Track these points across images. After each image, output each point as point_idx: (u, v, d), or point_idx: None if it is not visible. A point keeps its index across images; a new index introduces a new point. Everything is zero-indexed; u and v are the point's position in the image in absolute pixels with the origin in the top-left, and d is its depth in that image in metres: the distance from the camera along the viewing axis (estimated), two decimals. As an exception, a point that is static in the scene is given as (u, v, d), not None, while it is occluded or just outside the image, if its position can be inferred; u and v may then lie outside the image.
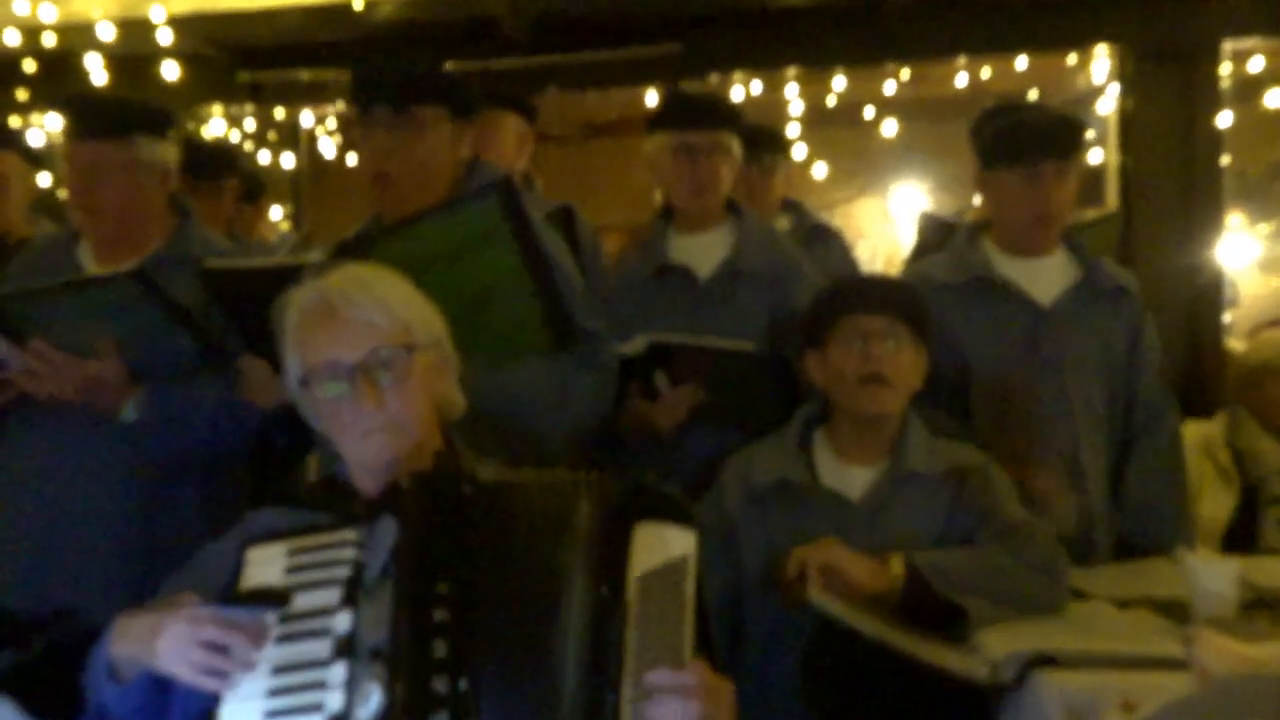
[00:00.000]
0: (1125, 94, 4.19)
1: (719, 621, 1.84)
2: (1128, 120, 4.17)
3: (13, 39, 4.57)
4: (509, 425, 1.70)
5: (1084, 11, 4.09)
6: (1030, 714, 1.45)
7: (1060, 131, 2.17)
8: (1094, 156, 4.87)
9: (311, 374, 1.29)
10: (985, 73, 4.81)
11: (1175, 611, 1.67)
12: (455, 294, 1.63)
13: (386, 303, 1.29)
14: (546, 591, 1.12)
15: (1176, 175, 3.97)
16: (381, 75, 1.85)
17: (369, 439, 1.28)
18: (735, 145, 2.35)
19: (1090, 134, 5.09)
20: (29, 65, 4.80)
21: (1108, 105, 4.50)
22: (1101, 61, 4.49)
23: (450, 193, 1.86)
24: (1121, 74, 4.22)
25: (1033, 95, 5.01)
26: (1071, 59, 4.65)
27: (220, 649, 1.10)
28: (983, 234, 2.28)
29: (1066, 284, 2.19)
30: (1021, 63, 4.51)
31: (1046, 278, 2.20)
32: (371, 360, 1.27)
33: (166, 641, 1.11)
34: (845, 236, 3.33)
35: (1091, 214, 3.89)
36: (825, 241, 3.13)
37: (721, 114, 2.35)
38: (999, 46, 4.30)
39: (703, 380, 2.12)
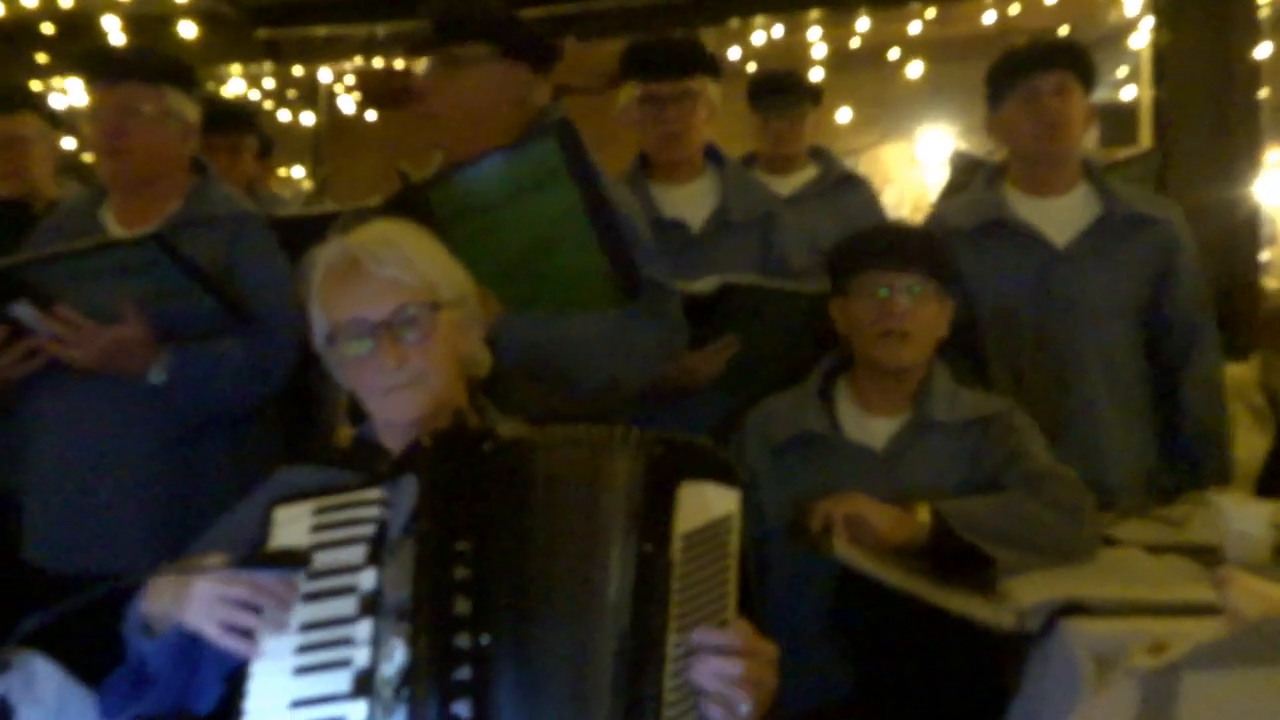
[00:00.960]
0: (1159, 27, 4.07)
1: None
2: (1162, 54, 4.06)
3: (30, 2, 4.56)
4: (568, 378, 1.69)
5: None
6: (1058, 661, 1.45)
7: (1055, 47, 2.15)
8: (1127, 93, 4.75)
9: (337, 331, 1.30)
10: (1014, 9, 4.69)
11: (1207, 557, 1.66)
12: (514, 240, 1.64)
13: (412, 260, 1.29)
14: (582, 548, 1.12)
15: (1212, 110, 3.86)
16: (429, 13, 1.83)
17: (393, 396, 1.29)
18: (709, 89, 2.27)
19: (1123, 70, 4.99)
20: (46, 27, 4.80)
21: (1141, 40, 4.37)
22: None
23: (515, 136, 1.80)
24: (1155, 7, 4.10)
25: (1063, 31, 4.88)
26: (1104, -8, 4.53)
27: (249, 609, 1.12)
28: (1003, 176, 2.25)
29: (1085, 221, 2.14)
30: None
31: (1064, 217, 2.15)
32: (396, 317, 1.27)
33: (195, 602, 1.13)
34: (872, 184, 3.28)
35: (1126, 152, 3.80)
36: (853, 190, 3.08)
37: (689, 59, 2.27)
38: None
39: (761, 323, 2.08)
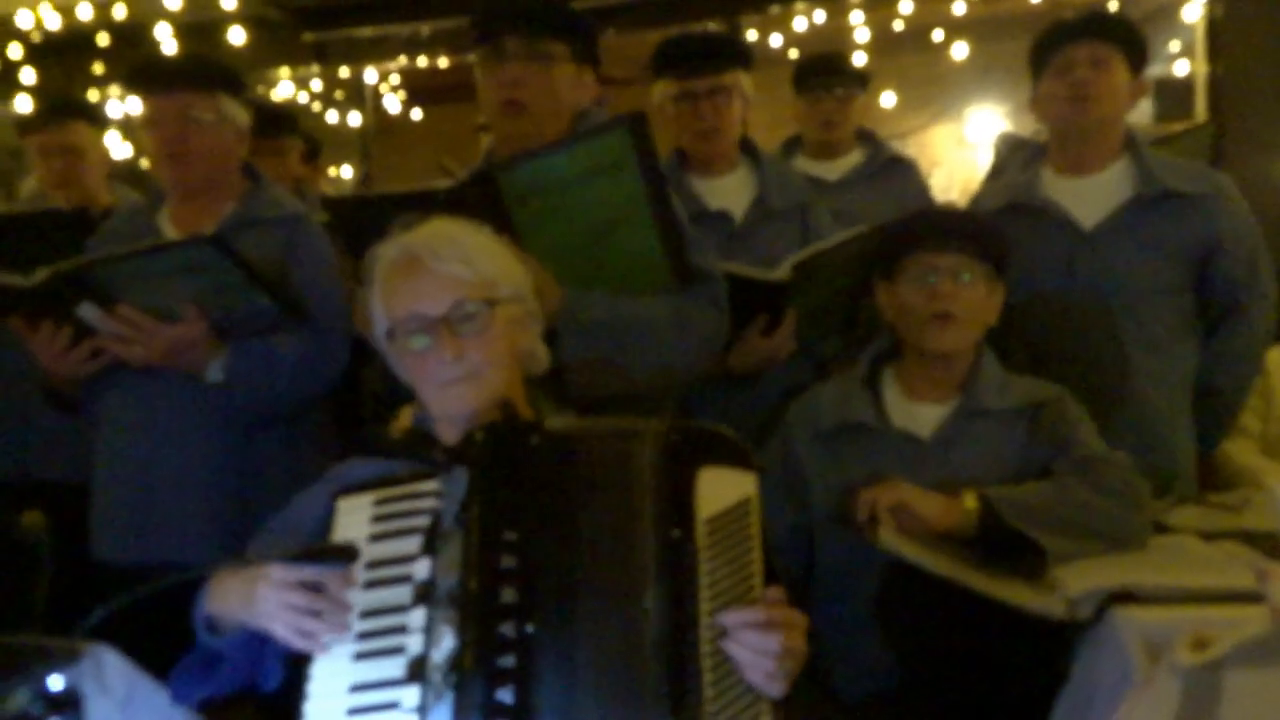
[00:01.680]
0: (1212, 1, 3.96)
1: (792, 560, 1.86)
2: (1216, 27, 3.95)
3: (85, 14, 4.68)
4: (631, 359, 1.72)
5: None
6: (1107, 649, 1.43)
7: (1092, 18, 2.11)
8: (1181, 68, 4.63)
9: (397, 326, 1.33)
10: (1063, -14, 4.59)
11: (1265, 543, 1.62)
12: (579, 222, 1.68)
13: (471, 257, 1.32)
14: (617, 537, 1.15)
15: (1268, 83, 3.76)
16: (515, 6, 1.85)
17: (449, 390, 1.32)
18: (741, 80, 2.28)
19: (1175, 44, 4.86)
20: (102, 38, 4.93)
21: (1194, 13, 4.26)
22: (1188, -33, 4.25)
23: (563, 133, 1.85)
24: (1209, -22, 3.99)
25: (1113, 6, 4.77)
26: (1155, -35, 4.42)
27: (312, 614, 1.16)
28: (1043, 156, 2.22)
29: (1119, 201, 2.09)
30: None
31: (1096, 196, 2.11)
32: (454, 313, 1.30)
33: (261, 605, 1.17)
34: (920, 167, 3.24)
35: (1180, 126, 3.71)
36: (901, 173, 3.05)
37: (721, 54, 2.28)
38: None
39: (819, 284, 2.09)
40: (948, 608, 1.60)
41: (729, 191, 2.32)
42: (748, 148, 2.38)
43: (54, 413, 2.13)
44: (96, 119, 2.85)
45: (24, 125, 2.78)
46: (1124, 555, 1.63)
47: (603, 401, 1.66)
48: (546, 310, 1.57)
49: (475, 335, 1.31)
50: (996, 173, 2.79)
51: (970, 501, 1.64)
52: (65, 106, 2.80)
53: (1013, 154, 2.70)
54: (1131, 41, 2.11)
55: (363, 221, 1.65)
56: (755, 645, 1.11)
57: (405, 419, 1.49)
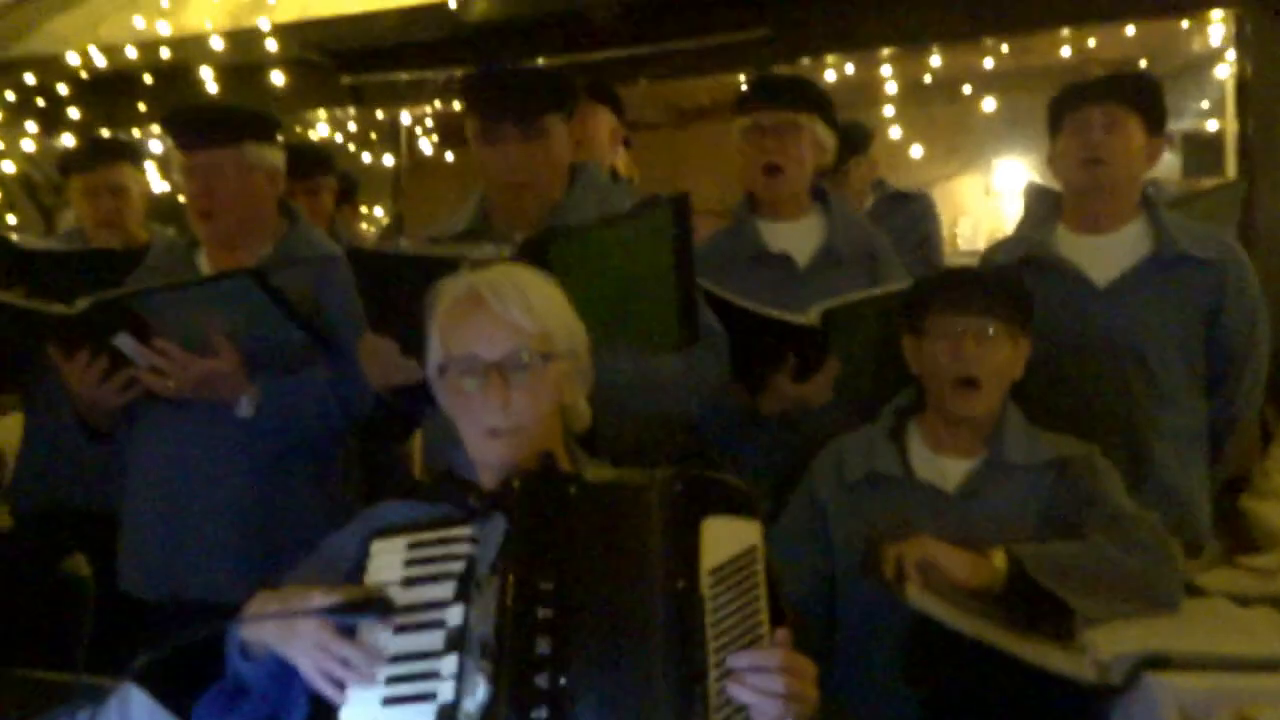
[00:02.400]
0: (1242, 58, 3.97)
1: (815, 609, 1.85)
2: (1245, 85, 3.95)
3: (131, 54, 4.81)
4: (652, 413, 1.80)
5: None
6: (1142, 717, 1.40)
7: (1110, 80, 2.14)
8: (1210, 123, 4.64)
9: (450, 363, 1.33)
10: (1091, 41, 4.62)
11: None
12: (607, 285, 1.73)
13: (534, 307, 1.32)
14: (634, 588, 1.16)
15: (1298, 143, 3.75)
16: (506, 90, 1.90)
17: (490, 440, 1.32)
18: (816, 127, 2.31)
19: (1204, 101, 4.87)
20: (147, 78, 5.05)
21: (1224, 70, 4.27)
22: (1217, 25, 4.27)
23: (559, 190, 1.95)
24: (1238, 38, 4.00)
25: (1142, 63, 4.80)
26: (1184, 22, 4.43)
27: (343, 662, 1.16)
28: (1057, 214, 2.24)
29: (1133, 261, 2.11)
30: (1131, 27, 4.31)
31: (1110, 255, 2.13)
32: (509, 360, 1.30)
33: (296, 641, 1.18)
34: (929, 199, 3.25)
35: (1210, 182, 3.70)
36: (904, 205, 3.07)
37: (796, 94, 2.32)
38: (1104, 16, 4.10)
39: (863, 334, 2.11)
40: (975, 661, 1.58)
41: (795, 236, 2.35)
42: (820, 195, 2.41)
43: (86, 442, 2.16)
44: (139, 159, 2.91)
45: (68, 165, 2.84)
46: (1157, 618, 1.61)
47: (626, 450, 1.68)
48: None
49: (525, 386, 1.30)
50: (1026, 223, 2.79)
51: (999, 559, 1.63)
52: (112, 148, 2.87)
53: (1040, 205, 2.71)
54: (1148, 103, 2.13)
55: (393, 280, 1.69)
56: (761, 687, 1.11)
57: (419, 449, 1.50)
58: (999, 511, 1.76)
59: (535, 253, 1.62)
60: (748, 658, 1.12)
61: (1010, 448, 1.78)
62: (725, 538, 1.18)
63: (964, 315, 1.79)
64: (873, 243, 2.37)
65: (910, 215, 3.02)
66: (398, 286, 1.65)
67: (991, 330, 1.78)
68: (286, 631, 1.19)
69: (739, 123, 2.33)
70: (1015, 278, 1.91)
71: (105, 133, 5.25)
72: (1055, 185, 2.98)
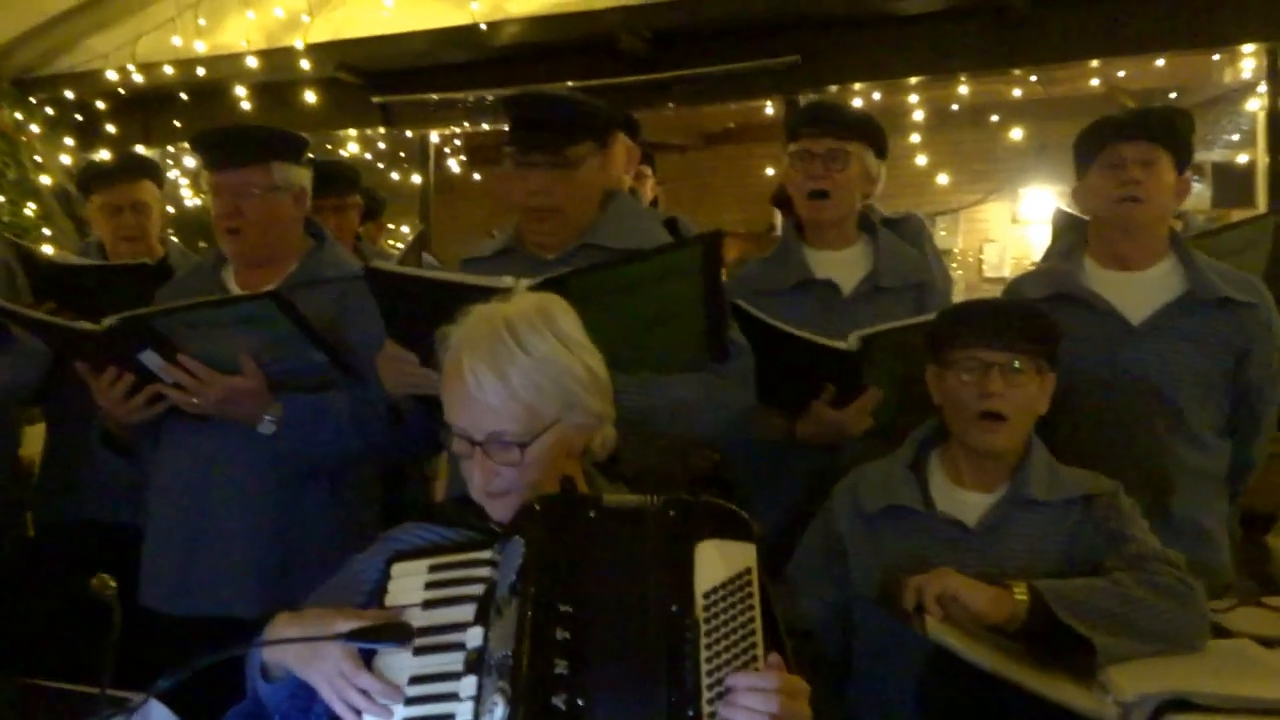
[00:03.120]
0: (1273, 91, 3.95)
1: (831, 640, 1.83)
2: (1276, 118, 3.93)
3: (169, 72, 4.90)
4: (673, 436, 1.79)
5: (1228, 8, 3.87)
6: (1163, 759, 1.38)
7: (1144, 116, 2.11)
8: (1242, 156, 4.61)
9: (451, 426, 1.34)
10: (1121, 71, 4.61)
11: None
12: (634, 316, 1.74)
13: (516, 390, 1.29)
14: (634, 611, 1.16)
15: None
16: (540, 119, 1.92)
17: (489, 500, 1.34)
18: (866, 156, 2.33)
19: (1234, 133, 4.85)
20: (182, 96, 5.14)
21: (1255, 103, 4.25)
22: (1248, 58, 4.25)
23: (587, 215, 1.96)
24: (1270, 71, 3.98)
25: (1173, 94, 4.78)
26: (1215, 54, 4.41)
27: (362, 693, 1.18)
28: (1083, 247, 2.22)
29: (1165, 299, 2.09)
30: (1161, 59, 4.30)
31: (1142, 293, 2.11)
32: (490, 442, 1.30)
33: (318, 665, 1.20)
34: (922, 220, 3.21)
35: (1240, 214, 3.67)
36: (894, 230, 3.06)
37: (844, 122, 2.33)
38: (1134, 49, 4.09)
39: (903, 362, 2.08)
40: (992, 697, 1.55)
41: (842, 264, 2.36)
42: (867, 224, 2.42)
43: (111, 457, 2.18)
44: (159, 175, 2.97)
45: (89, 181, 2.88)
46: (1180, 658, 1.59)
47: (646, 474, 1.68)
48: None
49: (511, 463, 1.30)
50: (1053, 251, 2.78)
51: (1020, 593, 1.61)
52: (135, 165, 2.91)
53: (1069, 233, 2.70)
54: (1179, 141, 2.12)
55: (411, 302, 1.70)
56: (755, 708, 1.11)
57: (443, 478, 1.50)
58: (1020, 548, 1.73)
59: (558, 289, 1.62)
60: (743, 679, 1.12)
61: (1033, 483, 1.76)
62: (720, 561, 1.18)
63: (989, 349, 1.77)
64: (921, 274, 2.37)
65: (906, 236, 3.00)
66: (416, 306, 1.67)
67: (1017, 364, 1.76)
68: (308, 655, 1.20)
69: (789, 148, 2.36)
70: (1042, 313, 1.88)
71: (140, 149, 5.35)
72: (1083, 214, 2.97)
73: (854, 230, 2.39)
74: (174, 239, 2.99)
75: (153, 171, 2.92)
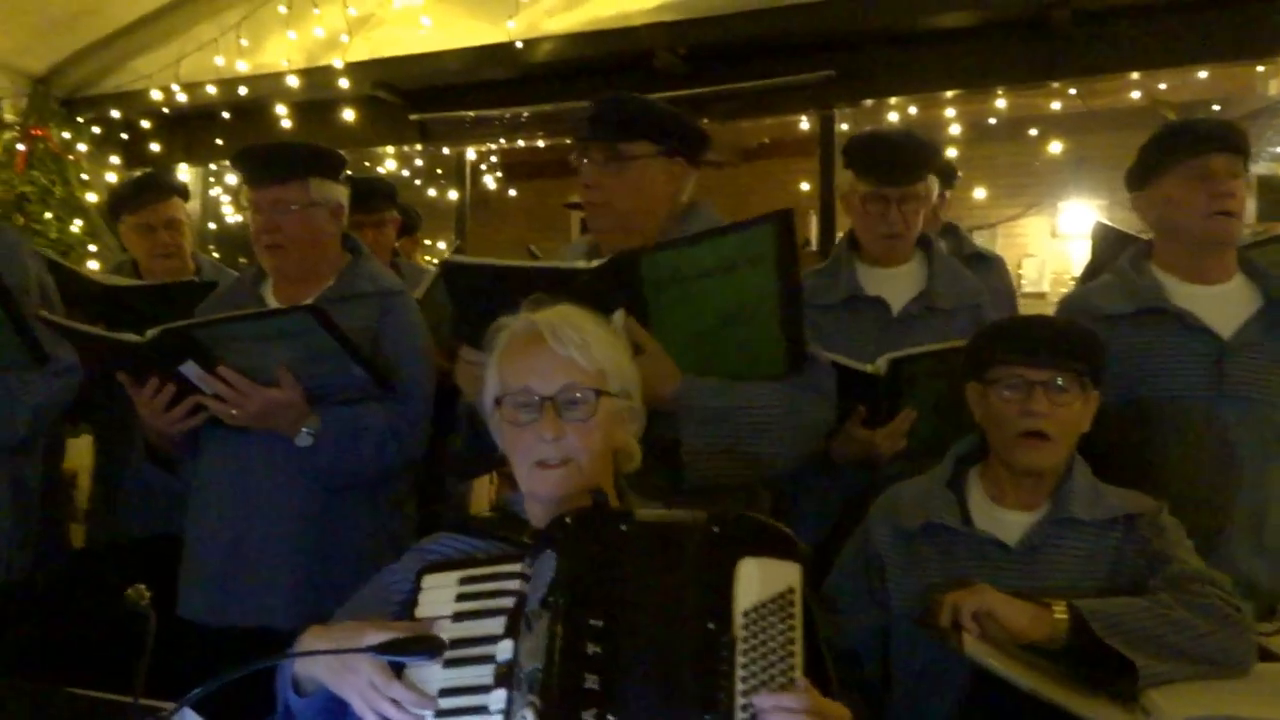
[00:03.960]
0: (1321, 104, 3.87)
1: (869, 660, 1.81)
2: (1325, 130, 3.85)
3: (211, 91, 5.00)
4: (748, 446, 1.75)
5: (1272, 19, 3.81)
6: (1208, 784, 1.35)
7: (1228, 129, 2.07)
8: (1288, 169, 4.52)
9: (506, 395, 1.37)
10: (1163, 84, 4.54)
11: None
12: (709, 310, 1.73)
13: (589, 345, 1.36)
14: (669, 626, 1.15)
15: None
16: (596, 112, 1.93)
17: (542, 472, 1.35)
18: (932, 185, 2.34)
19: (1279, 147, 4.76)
20: (225, 114, 5.24)
21: (1302, 114, 4.17)
22: (1294, 68, 4.18)
23: (664, 231, 1.90)
24: (1317, 82, 3.91)
25: (1215, 106, 4.71)
26: (1259, 65, 4.34)
27: (394, 704, 1.18)
28: (1147, 259, 2.16)
29: (1248, 313, 2.05)
30: (1203, 71, 4.24)
31: (1225, 306, 2.06)
32: (563, 395, 1.34)
33: (351, 678, 1.21)
34: (1005, 263, 3.22)
35: (1280, 229, 3.60)
36: (985, 268, 3.03)
37: (919, 165, 2.31)
38: (1176, 61, 4.03)
39: (939, 383, 2.08)
40: (1038, 713, 1.52)
41: (894, 282, 2.35)
42: (924, 242, 2.41)
43: (153, 468, 2.21)
44: (185, 193, 3.03)
45: (118, 205, 2.94)
46: (1224, 682, 1.55)
47: (718, 490, 1.67)
48: (661, 395, 1.61)
49: (577, 421, 1.34)
50: (1096, 265, 2.74)
51: (1060, 612, 1.58)
52: (163, 185, 2.97)
53: (1110, 247, 2.65)
54: (1247, 155, 2.09)
55: (486, 291, 1.71)
56: None
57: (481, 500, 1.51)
58: (1062, 568, 1.70)
59: (625, 267, 1.63)
60: (769, 699, 1.11)
61: (1075, 502, 1.73)
62: (761, 579, 1.17)
63: (1035, 368, 1.74)
64: (978, 296, 2.34)
65: (993, 277, 2.98)
66: (490, 299, 1.65)
67: (1062, 383, 1.73)
68: (339, 668, 1.21)
69: (856, 182, 2.33)
70: (1089, 333, 1.83)
71: (183, 167, 5.46)
72: (1121, 226, 2.93)
73: (911, 248, 2.38)
74: (211, 254, 3.03)
75: (180, 189, 2.99)
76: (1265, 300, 2.05)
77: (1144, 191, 2.13)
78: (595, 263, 1.70)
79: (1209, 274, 2.09)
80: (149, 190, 2.91)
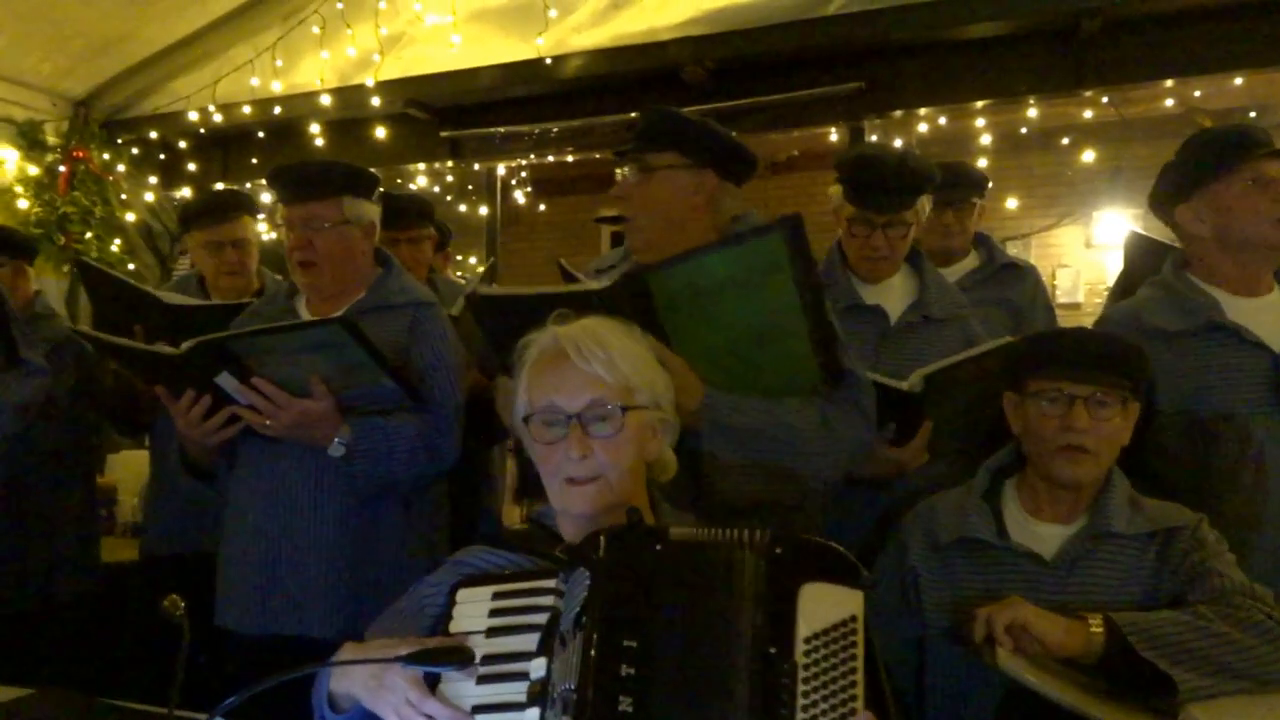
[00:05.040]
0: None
1: (903, 675, 1.79)
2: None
3: (246, 111, 5.08)
4: (774, 464, 1.73)
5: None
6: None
7: (1267, 133, 2.03)
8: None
9: (534, 413, 1.37)
10: (1197, 92, 4.49)
11: None
12: (733, 326, 1.71)
13: (614, 360, 1.36)
14: (717, 649, 1.13)
15: None
16: (635, 126, 1.95)
17: (572, 489, 1.35)
18: (922, 207, 2.32)
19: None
20: (259, 134, 5.32)
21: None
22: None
23: (706, 240, 1.87)
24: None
25: (1251, 114, 4.64)
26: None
27: (427, 717, 1.19)
28: (1185, 269, 2.11)
29: None
30: (1237, 77, 4.17)
31: (1271, 319, 2.01)
32: (589, 411, 1.34)
33: (381, 700, 1.22)
34: (1038, 273, 3.18)
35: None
36: (1018, 279, 3.01)
37: (907, 191, 2.26)
38: (1211, 68, 3.96)
39: (958, 391, 2.07)
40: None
41: (888, 292, 2.35)
42: (911, 255, 2.40)
43: (191, 480, 2.24)
44: (255, 210, 3.07)
45: (189, 218, 2.99)
46: (1266, 698, 1.52)
47: (745, 509, 1.66)
48: (685, 408, 1.59)
49: (605, 437, 1.34)
50: (1129, 275, 2.69)
51: (1096, 626, 1.56)
52: (233, 202, 3.01)
53: (1145, 257, 2.61)
54: None
55: (511, 319, 1.70)
56: None
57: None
58: (1100, 582, 1.68)
59: (633, 285, 1.63)
60: None
61: (1113, 516, 1.70)
62: (825, 605, 1.15)
63: (1076, 382, 1.71)
64: (962, 307, 2.36)
65: (1023, 287, 2.96)
66: (517, 326, 1.68)
67: (1103, 398, 1.71)
68: (374, 686, 1.22)
69: (846, 210, 2.32)
70: (1133, 348, 1.79)
71: (219, 186, 5.54)
72: (1159, 237, 2.88)
73: (895, 266, 2.37)
74: (270, 272, 3.07)
75: (250, 207, 3.03)
76: None
77: (1190, 202, 2.06)
78: (606, 282, 1.70)
79: (1255, 286, 2.05)
80: (218, 209, 2.95)
